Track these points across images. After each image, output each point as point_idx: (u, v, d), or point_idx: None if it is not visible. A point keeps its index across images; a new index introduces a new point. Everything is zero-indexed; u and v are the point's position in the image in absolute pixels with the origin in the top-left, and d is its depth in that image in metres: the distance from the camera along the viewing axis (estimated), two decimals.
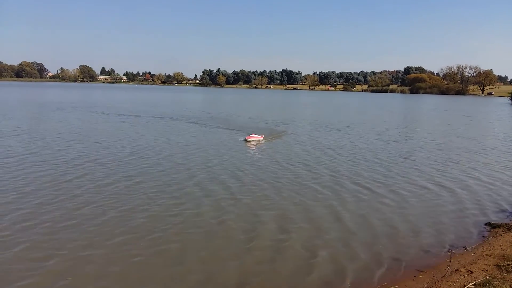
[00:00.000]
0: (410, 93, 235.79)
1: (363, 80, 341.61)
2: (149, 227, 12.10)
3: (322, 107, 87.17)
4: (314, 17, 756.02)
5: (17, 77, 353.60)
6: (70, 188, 15.71)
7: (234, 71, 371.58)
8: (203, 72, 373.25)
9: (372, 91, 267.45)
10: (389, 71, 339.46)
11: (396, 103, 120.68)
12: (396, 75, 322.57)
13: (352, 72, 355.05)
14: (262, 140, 30.21)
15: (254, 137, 30.08)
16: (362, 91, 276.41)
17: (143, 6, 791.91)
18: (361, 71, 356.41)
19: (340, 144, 30.18)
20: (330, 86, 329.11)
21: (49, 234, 11.31)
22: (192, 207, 14.01)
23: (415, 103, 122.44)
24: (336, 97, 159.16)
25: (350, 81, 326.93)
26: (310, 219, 13.26)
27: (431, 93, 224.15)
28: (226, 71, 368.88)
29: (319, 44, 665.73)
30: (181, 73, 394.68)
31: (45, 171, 18.19)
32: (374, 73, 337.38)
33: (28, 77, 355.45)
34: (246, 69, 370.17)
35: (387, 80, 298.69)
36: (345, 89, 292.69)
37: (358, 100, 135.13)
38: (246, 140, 29.37)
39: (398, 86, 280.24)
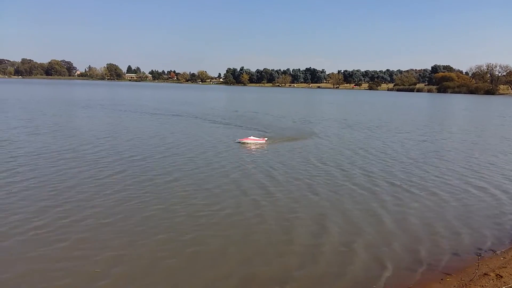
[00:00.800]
0: (437, 92, 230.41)
1: (388, 78, 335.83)
2: (190, 225, 12.32)
3: (348, 106, 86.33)
4: (337, 15, 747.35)
5: (46, 75, 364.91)
6: (109, 185, 16.14)
7: (257, 69, 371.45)
8: (226, 71, 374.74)
9: (398, 90, 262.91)
10: (416, 69, 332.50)
11: (424, 102, 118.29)
12: (423, 73, 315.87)
13: (378, 70, 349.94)
14: (265, 143, 27.85)
15: (251, 140, 27.85)
16: (387, 90, 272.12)
17: (168, 5, 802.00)
18: (387, 70, 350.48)
19: (372, 144, 29.95)
20: (354, 85, 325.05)
21: (90, 232, 11.51)
22: (231, 205, 14.24)
23: (444, 102, 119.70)
24: (362, 96, 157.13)
25: (376, 79, 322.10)
26: (341, 219, 13.30)
27: (459, 92, 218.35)
28: (249, 70, 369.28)
29: (342, 42, 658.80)
30: (205, 71, 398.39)
31: (82, 168, 18.78)
32: (400, 71, 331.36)
33: (57, 75, 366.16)
34: (269, 67, 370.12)
35: (414, 79, 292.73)
36: (370, 88, 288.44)
37: (384, 99, 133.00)
38: (240, 142, 27.47)
39: (425, 85, 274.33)
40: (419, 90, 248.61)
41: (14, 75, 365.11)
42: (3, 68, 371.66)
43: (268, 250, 10.86)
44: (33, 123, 34.53)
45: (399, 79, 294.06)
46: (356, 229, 12.53)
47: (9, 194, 14.41)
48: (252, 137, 28.45)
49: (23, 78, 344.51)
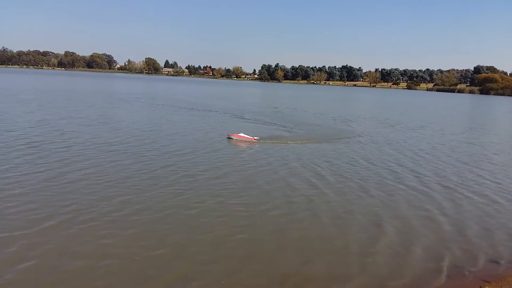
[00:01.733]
0: (480, 93, 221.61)
1: (428, 78, 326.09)
2: (243, 223, 12.30)
3: (388, 105, 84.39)
4: (375, 12, 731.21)
5: (88, 68, 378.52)
6: (158, 178, 16.41)
7: (292, 66, 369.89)
8: (261, 67, 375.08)
9: (438, 90, 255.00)
10: (457, 69, 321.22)
11: (466, 103, 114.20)
12: (465, 74, 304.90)
13: (417, 69, 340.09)
14: (255, 141, 26.87)
15: (241, 137, 27.23)
16: (427, 90, 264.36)
17: (205, 2, 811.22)
18: (427, 69, 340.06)
19: (418, 145, 29.27)
20: (392, 84, 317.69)
21: (140, 227, 11.56)
22: (283, 204, 14.27)
23: (487, 104, 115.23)
24: (401, 96, 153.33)
25: (415, 79, 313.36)
26: (396, 221, 13.14)
27: (503, 94, 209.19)
28: (284, 66, 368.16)
29: (380, 39, 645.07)
30: (240, 67, 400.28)
31: (130, 160, 19.28)
32: (441, 71, 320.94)
33: (98, 68, 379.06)
34: (305, 64, 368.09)
35: (455, 79, 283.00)
36: (409, 87, 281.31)
37: (424, 99, 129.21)
38: (229, 138, 27.32)
39: (466, 85, 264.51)
40: (460, 91, 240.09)
41: (57, 67, 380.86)
42: (47, 60, 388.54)
43: (326, 251, 10.85)
44: (80, 114, 36.01)
45: (440, 79, 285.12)
46: (410, 232, 12.45)
47: (62, 185, 14.91)
48: (242, 134, 27.72)
49: (65, 70, 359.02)
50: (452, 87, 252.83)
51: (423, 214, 14.21)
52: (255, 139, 27.30)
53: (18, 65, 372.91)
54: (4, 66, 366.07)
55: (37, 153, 19.68)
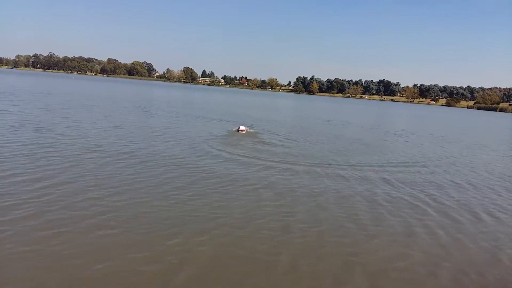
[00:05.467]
0: None
1: (469, 95, 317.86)
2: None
3: (437, 122, 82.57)
4: (415, 25, 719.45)
5: (129, 75, 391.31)
6: (248, 200, 16.28)
7: (328, 79, 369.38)
8: (297, 79, 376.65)
9: (479, 108, 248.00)
10: (500, 88, 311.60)
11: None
12: (508, 92, 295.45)
13: (458, 86, 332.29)
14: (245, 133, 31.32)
15: (243, 129, 31.57)
16: (467, 108, 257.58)
17: (243, 14, 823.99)
18: (468, 86, 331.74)
19: (497, 166, 28.60)
20: (431, 100, 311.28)
21: (252, 248, 11.69)
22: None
23: None
24: (443, 113, 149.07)
25: (455, 96, 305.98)
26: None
27: None
28: (320, 79, 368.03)
29: (419, 54, 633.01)
30: (275, 79, 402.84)
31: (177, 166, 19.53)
32: (482, 89, 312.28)
33: (138, 76, 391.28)
34: (340, 77, 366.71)
35: (497, 97, 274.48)
36: (448, 104, 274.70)
37: (469, 117, 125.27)
38: (238, 131, 31.22)
39: (509, 104, 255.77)
40: (502, 110, 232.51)
41: (100, 73, 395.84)
42: (91, 66, 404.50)
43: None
44: (148, 124, 37.33)
45: (481, 96, 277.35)
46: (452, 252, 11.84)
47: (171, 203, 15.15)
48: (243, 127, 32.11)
49: (107, 76, 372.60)
50: (493, 106, 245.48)
51: None
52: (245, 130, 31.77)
53: (63, 70, 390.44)
54: (50, 71, 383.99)
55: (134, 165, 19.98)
